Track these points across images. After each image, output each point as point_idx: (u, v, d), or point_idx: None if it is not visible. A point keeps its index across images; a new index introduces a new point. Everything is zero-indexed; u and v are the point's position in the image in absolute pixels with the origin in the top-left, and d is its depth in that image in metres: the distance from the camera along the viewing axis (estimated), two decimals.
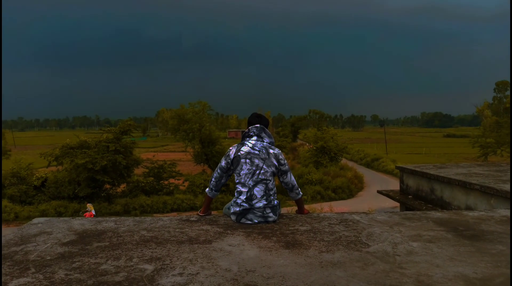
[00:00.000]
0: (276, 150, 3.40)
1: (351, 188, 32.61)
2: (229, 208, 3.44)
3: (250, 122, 3.50)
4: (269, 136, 3.47)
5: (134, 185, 28.11)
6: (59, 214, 25.04)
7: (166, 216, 3.75)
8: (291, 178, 3.45)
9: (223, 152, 31.69)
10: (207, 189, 3.51)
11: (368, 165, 51.08)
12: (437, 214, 3.61)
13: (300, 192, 3.54)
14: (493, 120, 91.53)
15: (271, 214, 3.27)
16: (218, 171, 3.43)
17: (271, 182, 3.32)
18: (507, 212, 3.69)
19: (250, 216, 3.25)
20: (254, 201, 3.25)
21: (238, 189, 3.32)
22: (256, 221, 3.25)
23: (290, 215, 3.58)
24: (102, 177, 24.97)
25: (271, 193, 3.30)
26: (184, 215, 3.62)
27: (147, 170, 29.24)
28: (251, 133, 3.44)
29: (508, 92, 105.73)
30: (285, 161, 3.43)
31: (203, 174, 31.94)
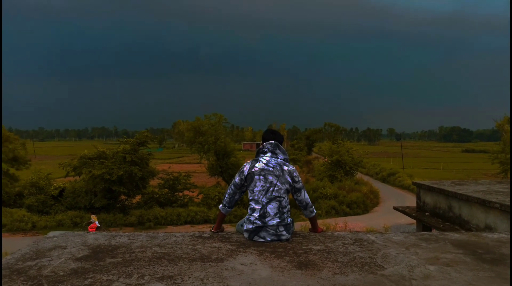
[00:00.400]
0: (291, 167, 3.38)
1: (366, 203, 32.14)
2: (242, 225, 3.42)
3: (265, 138, 3.50)
4: (283, 153, 3.45)
5: (149, 196, 28.35)
6: (75, 225, 25.36)
7: (179, 231, 3.75)
8: (305, 195, 3.42)
9: (238, 164, 31.78)
10: (221, 205, 3.51)
11: (384, 180, 50.33)
12: (455, 236, 3.51)
13: (314, 210, 3.50)
14: None
15: (284, 232, 3.23)
16: (232, 187, 3.43)
17: (284, 200, 3.29)
18: None
19: (263, 234, 3.23)
20: (267, 219, 3.22)
21: (252, 206, 3.30)
22: (269, 239, 3.22)
23: (304, 233, 3.53)
24: (118, 188, 25.28)
25: (284, 210, 3.27)
26: (197, 231, 3.62)
27: (162, 182, 29.47)
28: (265, 150, 3.44)
29: None
30: (299, 178, 3.40)
31: (218, 186, 32.01)
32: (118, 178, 24.61)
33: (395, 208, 13.88)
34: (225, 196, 3.47)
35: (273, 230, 3.21)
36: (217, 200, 27.50)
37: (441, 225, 10.53)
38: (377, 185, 43.80)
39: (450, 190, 10.42)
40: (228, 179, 31.07)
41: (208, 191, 28.11)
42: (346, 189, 33.89)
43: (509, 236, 3.52)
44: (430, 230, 12.20)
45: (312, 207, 3.47)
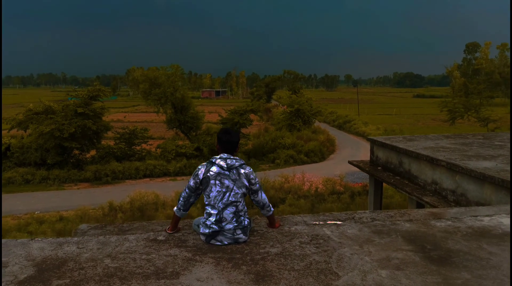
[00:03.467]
0: (247, 169, 3.27)
1: (323, 151, 33.24)
2: (198, 226, 3.34)
3: (220, 138, 3.33)
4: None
5: (105, 151, 27.48)
6: (27, 182, 24.35)
7: (133, 236, 3.60)
8: (262, 196, 3.36)
9: (197, 117, 31.28)
10: (175, 208, 3.38)
11: (340, 127, 51.95)
12: (406, 226, 3.65)
13: (272, 209, 3.47)
14: (462, 82, 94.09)
15: (241, 235, 3.20)
16: (187, 190, 3.29)
17: (241, 204, 3.22)
18: (472, 222, 3.77)
19: (220, 237, 3.17)
20: (224, 223, 3.16)
21: (208, 211, 3.21)
22: (226, 242, 3.17)
23: (262, 230, 3.52)
24: (70, 144, 24.20)
25: (241, 214, 3.21)
26: (151, 233, 3.50)
27: (118, 136, 28.54)
28: (219, 152, 3.29)
29: (477, 54, 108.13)
30: (257, 180, 3.32)
31: (176, 138, 31.57)
32: (70, 135, 23.47)
33: (350, 163, 14.41)
34: (179, 200, 3.33)
35: (230, 233, 3.16)
36: (174, 154, 27.15)
37: (392, 180, 11.11)
38: (334, 132, 45.18)
39: (401, 146, 10.87)
40: (187, 132, 30.65)
41: (166, 145, 27.65)
42: (304, 138, 34.69)
43: (455, 224, 3.71)
44: (382, 185, 12.91)
45: (269, 206, 3.43)
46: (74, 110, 25.05)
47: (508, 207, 5.31)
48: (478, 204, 7.92)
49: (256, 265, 2.85)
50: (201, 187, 3.24)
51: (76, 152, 27.02)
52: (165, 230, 3.49)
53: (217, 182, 3.17)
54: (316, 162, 31.36)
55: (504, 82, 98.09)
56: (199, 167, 3.29)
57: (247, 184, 3.24)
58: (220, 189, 3.17)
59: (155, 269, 2.79)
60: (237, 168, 3.22)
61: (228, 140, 3.29)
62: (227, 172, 3.19)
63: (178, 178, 26.06)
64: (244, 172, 3.24)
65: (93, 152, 28.16)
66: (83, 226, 4.86)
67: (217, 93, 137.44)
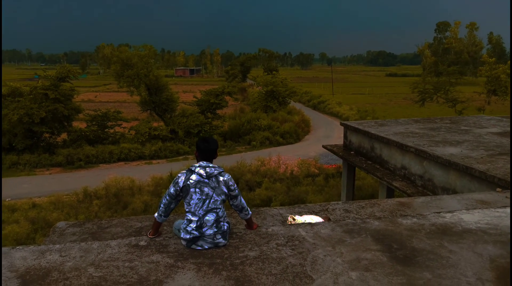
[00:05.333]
0: (226, 176, 3.40)
1: (298, 133, 33.68)
2: (179, 230, 3.46)
3: (199, 146, 3.43)
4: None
5: (77, 134, 26.81)
6: None
7: (115, 242, 3.68)
8: (241, 201, 3.51)
9: (172, 99, 30.82)
10: (156, 214, 3.48)
11: (315, 107, 52.52)
12: (375, 224, 3.90)
13: (250, 212, 3.62)
14: (432, 60, 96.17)
15: (221, 240, 3.35)
16: (167, 197, 3.39)
17: (221, 210, 3.36)
18: (436, 218, 4.07)
19: (200, 242, 3.31)
20: (204, 229, 3.29)
21: (188, 217, 3.33)
22: (206, 247, 3.32)
23: (240, 233, 3.68)
24: (40, 128, 23.45)
25: (221, 220, 3.35)
26: (133, 238, 3.59)
27: (89, 118, 27.83)
28: (198, 160, 3.40)
29: (448, 33, 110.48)
30: (235, 186, 3.45)
31: (150, 120, 31.12)
32: (40, 119, 22.72)
33: (324, 147, 14.74)
34: (160, 206, 3.43)
35: (211, 238, 3.31)
36: (147, 136, 26.78)
37: (364, 165, 11.51)
38: (308, 113, 45.69)
39: (373, 132, 11.22)
40: (162, 114, 30.24)
41: (139, 128, 27.21)
42: (279, 119, 34.96)
43: (420, 221, 3.99)
44: (355, 169, 13.34)
45: (247, 210, 3.59)
46: (43, 94, 24.17)
47: (469, 196, 5.70)
48: (444, 189, 8.39)
49: (236, 270, 3.02)
50: (181, 194, 3.36)
51: (47, 135, 26.25)
52: (147, 235, 3.60)
53: (197, 190, 3.29)
54: (291, 143, 31.78)
55: (472, 61, 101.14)
56: (179, 175, 3.39)
57: (226, 191, 3.37)
58: (200, 197, 3.29)
59: (139, 277, 2.91)
60: (216, 176, 3.35)
61: (206, 148, 3.41)
62: (206, 180, 3.31)
63: (154, 161, 25.88)
64: (223, 180, 3.37)
65: (64, 135, 27.43)
66: (61, 224, 4.89)
67: (191, 71, 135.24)
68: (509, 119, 12.81)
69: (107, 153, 25.39)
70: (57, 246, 3.42)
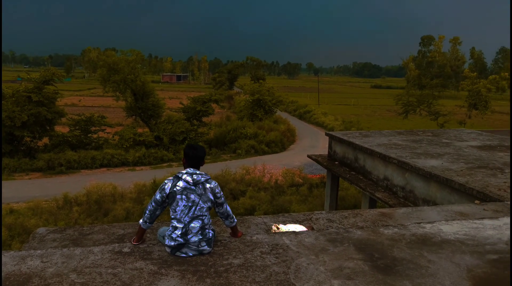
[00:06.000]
0: (213, 184, 3.43)
1: (283, 142, 33.85)
2: (163, 237, 3.45)
3: (186, 154, 3.45)
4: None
5: (59, 139, 26.34)
6: None
7: (98, 248, 3.65)
8: (226, 208, 3.53)
9: (158, 105, 30.63)
10: (141, 220, 3.47)
11: (301, 117, 52.97)
12: (357, 234, 3.96)
13: (235, 220, 3.65)
14: (416, 73, 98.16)
15: (206, 247, 3.36)
16: (153, 204, 3.39)
17: (207, 217, 3.37)
18: (416, 229, 4.16)
19: (185, 249, 3.31)
20: (189, 236, 3.30)
21: (173, 224, 3.33)
22: (191, 254, 3.32)
23: (225, 240, 3.70)
24: (21, 132, 22.98)
25: (206, 227, 3.37)
26: (116, 244, 3.57)
27: (72, 123, 27.40)
28: (186, 166, 3.42)
29: (432, 47, 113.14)
30: (222, 193, 3.48)
31: (134, 126, 30.82)
32: (22, 123, 22.27)
33: (309, 157, 14.86)
34: (145, 213, 3.43)
35: (195, 245, 3.31)
36: (131, 142, 26.49)
37: (348, 175, 11.64)
38: (294, 122, 46.03)
39: (357, 143, 11.37)
40: (147, 120, 30.00)
41: (123, 133, 26.91)
42: (265, 128, 35.09)
43: (401, 232, 4.08)
44: (338, 179, 13.47)
45: (233, 218, 3.61)
46: (26, 97, 23.72)
47: (448, 207, 5.84)
48: (425, 200, 8.55)
49: (220, 277, 3.03)
50: (167, 201, 3.36)
51: (27, 139, 25.72)
52: (131, 241, 3.58)
53: (183, 196, 3.30)
54: (276, 152, 31.90)
55: (454, 75, 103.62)
56: (166, 181, 3.40)
57: (212, 198, 3.39)
58: (186, 204, 3.30)
59: (122, 284, 2.89)
60: (203, 183, 3.37)
61: (194, 155, 3.43)
62: (193, 187, 3.32)
63: (137, 168, 25.59)
64: (209, 187, 3.39)
65: (45, 140, 26.92)
66: (41, 230, 4.80)
67: (178, 77, 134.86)
68: (488, 134, 13.17)
69: (90, 158, 25.01)
70: (38, 251, 3.37)
